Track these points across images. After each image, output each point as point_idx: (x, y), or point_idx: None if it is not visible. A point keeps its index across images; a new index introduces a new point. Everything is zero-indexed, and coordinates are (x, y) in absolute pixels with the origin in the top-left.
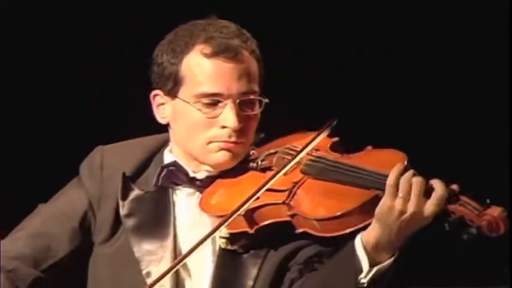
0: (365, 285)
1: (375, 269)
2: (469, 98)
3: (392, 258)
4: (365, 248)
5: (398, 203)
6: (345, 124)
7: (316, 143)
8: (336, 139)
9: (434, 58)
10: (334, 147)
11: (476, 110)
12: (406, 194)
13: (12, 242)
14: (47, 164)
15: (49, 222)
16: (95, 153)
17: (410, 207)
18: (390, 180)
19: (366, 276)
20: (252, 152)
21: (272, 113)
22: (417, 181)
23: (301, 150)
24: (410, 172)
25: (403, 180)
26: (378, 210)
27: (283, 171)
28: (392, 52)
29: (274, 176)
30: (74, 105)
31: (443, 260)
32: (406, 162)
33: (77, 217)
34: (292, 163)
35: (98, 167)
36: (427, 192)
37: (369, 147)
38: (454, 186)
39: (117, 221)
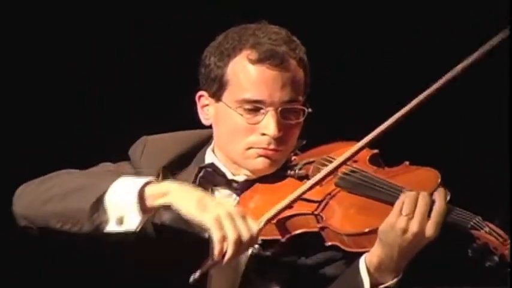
0: None
1: None
2: (468, 100)
3: (394, 280)
4: (368, 268)
5: (401, 221)
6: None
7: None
8: (375, 151)
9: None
10: (372, 160)
11: (475, 111)
12: (410, 213)
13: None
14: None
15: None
16: (139, 142)
17: (413, 226)
18: (400, 199)
19: None
20: (293, 158)
21: (315, 120)
22: (422, 199)
23: (337, 166)
24: (417, 191)
25: (408, 199)
26: (380, 228)
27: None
28: (392, 52)
29: (309, 187)
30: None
31: (443, 260)
32: (439, 181)
33: None
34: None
35: (139, 154)
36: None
37: (406, 163)
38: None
39: None
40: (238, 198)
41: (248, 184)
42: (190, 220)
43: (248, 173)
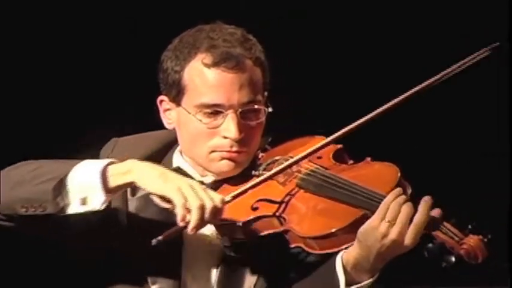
0: None
1: None
2: (468, 100)
3: (370, 280)
4: (344, 267)
5: (383, 226)
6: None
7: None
8: (339, 146)
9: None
10: (336, 155)
11: (475, 112)
12: (393, 219)
13: None
14: None
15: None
16: (109, 143)
17: (393, 233)
18: (385, 203)
19: None
20: (260, 155)
21: (284, 114)
22: (406, 208)
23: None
24: (403, 197)
25: (394, 204)
26: (361, 229)
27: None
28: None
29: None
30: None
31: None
32: (398, 175)
33: None
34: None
35: (106, 156)
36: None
37: (368, 159)
38: (437, 212)
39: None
40: None
41: (216, 185)
42: (154, 194)
43: (214, 174)
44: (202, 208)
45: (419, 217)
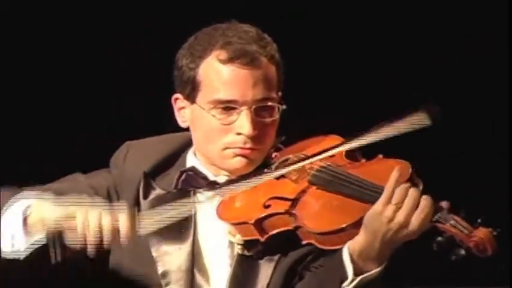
0: None
1: (358, 278)
2: (468, 99)
3: (378, 269)
4: (351, 256)
5: (389, 210)
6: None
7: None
8: None
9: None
10: (349, 154)
11: (475, 111)
12: (398, 203)
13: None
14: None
15: (77, 188)
16: (122, 147)
17: (399, 217)
18: (387, 187)
19: (349, 285)
20: (274, 154)
21: (297, 114)
22: (413, 192)
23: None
24: (409, 183)
25: (400, 189)
26: (366, 215)
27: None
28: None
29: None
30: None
31: (443, 259)
32: (410, 171)
33: (103, 193)
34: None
35: (121, 160)
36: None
37: (380, 156)
38: (445, 203)
39: None
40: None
41: None
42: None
43: (228, 173)
44: (100, 228)
45: (426, 201)
